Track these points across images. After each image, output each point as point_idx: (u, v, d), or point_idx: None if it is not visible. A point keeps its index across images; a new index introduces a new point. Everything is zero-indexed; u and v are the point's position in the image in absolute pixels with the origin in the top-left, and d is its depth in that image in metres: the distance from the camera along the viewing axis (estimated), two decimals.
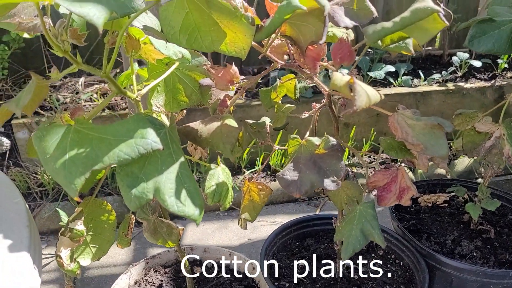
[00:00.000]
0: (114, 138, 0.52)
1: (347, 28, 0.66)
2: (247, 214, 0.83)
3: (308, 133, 0.72)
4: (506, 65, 2.13)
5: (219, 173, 0.67)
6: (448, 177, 1.80)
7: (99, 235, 0.79)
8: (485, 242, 1.01)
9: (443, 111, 1.99)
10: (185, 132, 0.61)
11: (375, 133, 1.91)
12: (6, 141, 0.83)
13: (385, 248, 1.04)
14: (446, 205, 1.15)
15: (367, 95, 0.51)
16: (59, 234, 0.72)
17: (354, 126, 1.88)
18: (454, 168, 1.82)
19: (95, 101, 1.70)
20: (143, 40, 0.70)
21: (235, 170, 1.82)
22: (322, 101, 0.77)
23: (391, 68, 1.98)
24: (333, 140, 0.68)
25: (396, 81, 2.01)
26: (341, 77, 0.52)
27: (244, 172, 1.79)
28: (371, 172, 0.75)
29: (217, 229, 1.57)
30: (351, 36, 0.79)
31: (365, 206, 0.70)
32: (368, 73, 1.95)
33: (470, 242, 1.00)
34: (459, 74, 2.09)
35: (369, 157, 1.93)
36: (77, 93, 1.72)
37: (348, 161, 1.88)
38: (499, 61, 2.13)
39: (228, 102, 0.69)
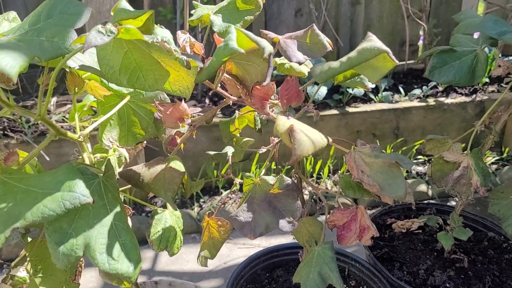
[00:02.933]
0: (42, 191, 0.48)
1: (300, 63, 0.63)
2: (206, 252, 0.79)
3: (264, 171, 0.68)
4: (487, 80, 2.12)
5: (166, 217, 0.63)
6: (430, 193, 1.78)
7: (50, 276, 0.75)
8: (458, 271, 0.98)
9: (424, 126, 1.97)
10: (127, 177, 0.58)
11: None
12: None
13: (357, 279, 1.01)
14: (420, 231, 1.12)
15: (310, 141, 0.48)
16: (1, 281, 0.68)
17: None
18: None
19: (67, 122, 1.66)
20: (87, 76, 0.67)
21: (213, 191, 1.79)
22: None
23: (371, 85, 1.96)
24: (288, 179, 0.65)
25: (376, 97, 1.99)
26: (283, 122, 0.49)
27: (222, 193, 1.75)
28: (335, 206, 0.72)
29: (193, 253, 1.53)
30: (311, 65, 0.77)
31: (324, 248, 0.67)
32: (347, 89, 1.93)
33: (443, 272, 0.97)
34: (440, 89, 2.07)
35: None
36: (48, 113, 1.68)
37: (328, 179, 1.85)
38: None
39: (178, 140, 0.66)
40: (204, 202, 1.72)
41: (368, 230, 0.68)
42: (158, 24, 0.59)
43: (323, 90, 1.86)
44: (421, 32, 2.37)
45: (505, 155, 2.00)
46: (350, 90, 1.92)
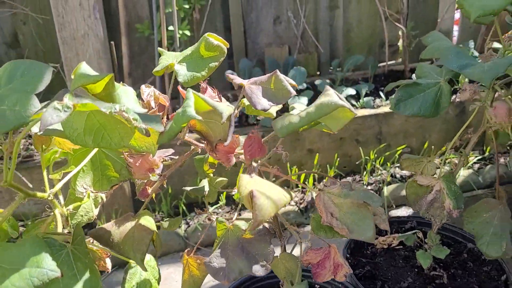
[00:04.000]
0: (10, 267, 0.48)
1: (264, 110, 0.63)
2: None
3: (235, 214, 0.69)
4: (466, 80, 2.14)
5: (140, 271, 0.64)
6: None
7: None
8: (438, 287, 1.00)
9: (406, 130, 1.99)
10: (97, 237, 0.58)
11: (339, 158, 1.90)
12: None
13: None
14: (401, 246, 1.13)
15: (271, 204, 0.49)
16: None
17: (318, 153, 1.86)
18: None
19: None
20: None
21: (199, 206, 1.79)
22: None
23: (352, 91, 1.98)
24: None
25: (358, 102, 2.00)
26: (245, 183, 0.50)
27: (208, 209, 1.76)
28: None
29: (181, 271, 1.53)
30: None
31: None
32: None
33: None
34: None
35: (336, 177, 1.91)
36: (31, 145, 1.67)
37: (313, 186, 1.86)
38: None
39: (149, 190, 0.67)
40: (191, 219, 1.73)
41: (342, 268, 0.69)
42: (122, 82, 0.59)
43: (304, 100, 1.87)
44: (400, 33, 2.38)
45: (487, 154, 2.03)
46: None
